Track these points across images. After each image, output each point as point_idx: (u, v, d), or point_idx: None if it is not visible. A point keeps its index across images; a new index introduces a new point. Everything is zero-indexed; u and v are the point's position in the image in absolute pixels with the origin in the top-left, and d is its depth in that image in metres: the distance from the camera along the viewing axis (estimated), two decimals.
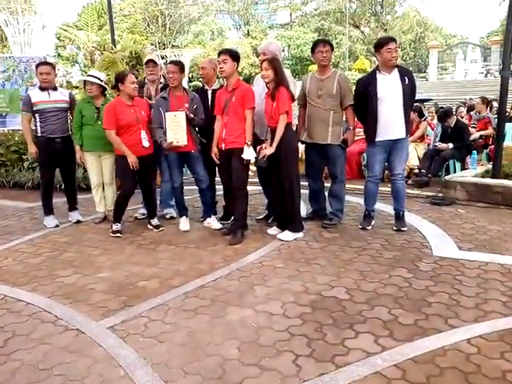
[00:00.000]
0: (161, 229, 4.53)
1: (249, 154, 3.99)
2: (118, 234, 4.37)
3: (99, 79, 4.76)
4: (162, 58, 31.76)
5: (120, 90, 4.33)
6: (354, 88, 4.51)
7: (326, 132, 4.37)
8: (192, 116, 4.21)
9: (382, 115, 4.17)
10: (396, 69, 4.14)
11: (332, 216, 4.57)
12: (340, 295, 2.93)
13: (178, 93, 4.30)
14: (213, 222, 4.58)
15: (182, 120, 4.16)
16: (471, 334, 2.44)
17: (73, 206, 5.00)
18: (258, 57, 4.50)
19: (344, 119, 4.55)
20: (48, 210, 4.86)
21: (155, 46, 46.75)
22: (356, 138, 7.63)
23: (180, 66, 4.32)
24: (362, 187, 5.94)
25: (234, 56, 4.07)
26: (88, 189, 5.36)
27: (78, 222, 4.91)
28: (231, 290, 3.06)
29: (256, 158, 4.01)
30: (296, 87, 4.47)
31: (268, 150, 3.90)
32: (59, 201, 5.25)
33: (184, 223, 4.57)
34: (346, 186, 6.21)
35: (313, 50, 4.40)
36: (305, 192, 4.64)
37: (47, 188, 4.83)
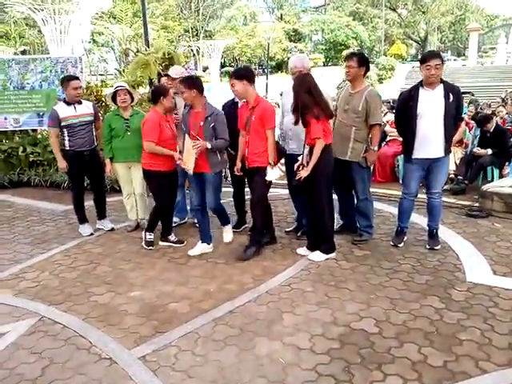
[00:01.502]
0: (184, 243, 4.56)
1: (272, 174, 3.99)
2: (151, 247, 4.45)
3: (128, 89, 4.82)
4: (197, 51, 31.91)
5: (158, 103, 4.32)
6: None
7: (347, 148, 4.28)
8: (199, 144, 3.89)
9: (421, 132, 4.02)
10: (441, 85, 3.95)
11: (362, 232, 4.52)
12: (369, 328, 2.91)
13: (197, 109, 4.05)
14: (224, 234, 4.59)
15: (189, 146, 3.96)
16: (504, 380, 2.38)
17: (103, 214, 5.13)
18: (292, 74, 4.34)
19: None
20: (82, 218, 5.00)
21: (188, 32, 46.85)
22: (389, 138, 7.63)
23: (189, 82, 3.97)
24: (395, 192, 5.93)
25: (242, 76, 3.96)
26: (121, 191, 5.41)
27: (112, 229, 5.04)
28: (260, 317, 3.09)
29: (292, 177, 3.97)
30: (329, 99, 4.40)
31: (304, 171, 3.82)
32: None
33: (202, 249, 4.34)
34: (379, 191, 6.23)
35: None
36: (336, 203, 4.60)
37: (79, 198, 4.96)
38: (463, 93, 11.95)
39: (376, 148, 4.34)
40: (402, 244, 4.36)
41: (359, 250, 4.28)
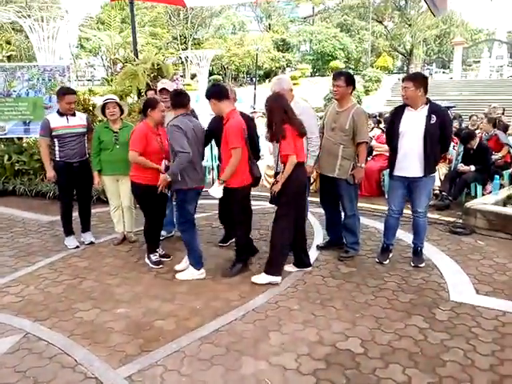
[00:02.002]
0: (171, 257, 4.55)
1: (215, 191, 3.93)
2: (161, 266, 4.38)
3: (118, 101, 4.82)
4: (186, 59, 31.99)
5: (147, 116, 4.31)
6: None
7: (334, 165, 4.35)
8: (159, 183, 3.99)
9: (402, 151, 4.13)
10: (427, 106, 4.03)
11: (348, 249, 4.56)
12: (355, 348, 2.94)
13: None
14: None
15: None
16: None
17: (86, 227, 5.08)
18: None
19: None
20: (68, 230, 4.96)
21: (176, 39, 46.89)
22: (375, 153, 7.74)
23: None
24: (381, 207, 6.02)
25: (208, 97, 3.96)
26: (108, 202, 5.36)
27: (92, 243, 4.99)
28: (246, 336, 3.10)
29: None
30: (315, 119, 4.47)
31: (275, 186, 3.88)
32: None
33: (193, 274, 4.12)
34: (365, 205, 6.30)
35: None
36: (321, 219, 4.64)
37: (67, 210, 4.91)
38: (448, 107, 12.10)
39: (363, 165, 4.40)
40: (388, 261, 4.41)
41: (345, 266, 4.32)
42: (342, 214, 4.62)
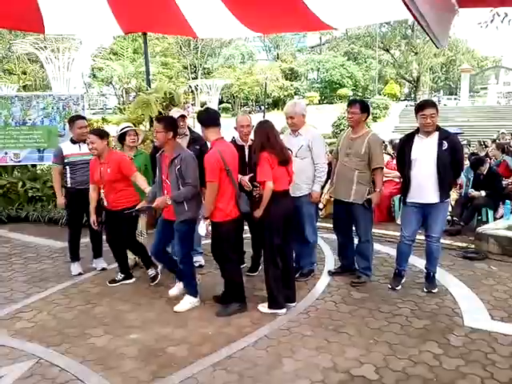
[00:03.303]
0: (156, 282, 4.55)
1: (200, 228, 3.77)
2: (156, 281, 4.49)
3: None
4: (196, 88, 32.77)
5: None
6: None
7: (350, 190, 4.39)
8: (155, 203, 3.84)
9: (414, 178, 4.15)
10: (437, 132, 4.08)
11: (360, 274, 4.55)
12: (369, 375, 2.90)
13: (167, 151, 3.90)
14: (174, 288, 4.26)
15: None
16: None
17: (98, 253, 5.11)
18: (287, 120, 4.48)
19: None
20: (74, 256, 4.98)
21: (187, 69, 47.95)
22: (385, 179, 7.75)
23: (167, 123, 3.86)
24: (392, 233, 6.00)
25: (203, 122, 3.83)
26: None
27: (104, 269, 5.01)
28: (259, 362, 3.07)
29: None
30: (324, 146, 4.54)
31: (256, 212, 3.82)
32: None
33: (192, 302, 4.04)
34: (376, 231, 6.27)
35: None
36: (332, 245, 4.64)
37: (75, 236, 4.96)
38: (455, 133, 12.21)
39: (379, 189, 4.43)
40: (400, 287, 4.37)
41: (358, 292, 4.29)
42: (355, 239, 4.64)
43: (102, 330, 3.60)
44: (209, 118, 3.80)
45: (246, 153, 4.55)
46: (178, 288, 4.20)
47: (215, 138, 3.76)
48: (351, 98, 30.77)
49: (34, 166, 8.36)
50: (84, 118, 5.12)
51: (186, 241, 3.96)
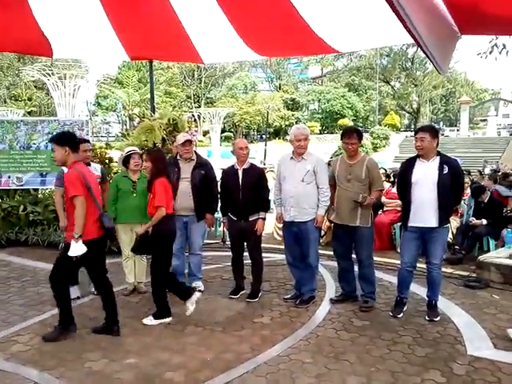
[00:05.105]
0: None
1: (76, 249, 3.58)
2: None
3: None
4: (199, 116, 33.36)
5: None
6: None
7: (356, 214, 4.41)
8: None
9: (415, 201, 4.18)
10: (438, 157, 4.14)
11: (367, 298, 4.53)
12: None
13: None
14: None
15: None
16: None
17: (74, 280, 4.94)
18: (291, 141, 4.57)
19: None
20: (72, 280, 4.91)
21: (190, 98, 48.72)
22: (385, 209, 7.77)
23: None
24: (393, 261, 5.96)
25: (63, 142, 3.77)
26: (120, 252, 5.37)
27: (78, 298, 4.85)
28: None
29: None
30: (327, 172, 4.58)
31: (138, 229, 4.10)
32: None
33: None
34: (377, 259, 6.24)
35: (341, 138, 4.54)
36: (332, 272, 4.60)
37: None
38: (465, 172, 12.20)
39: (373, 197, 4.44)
40: (402, 314, 4.32)
41: (359, 320, 4.23)
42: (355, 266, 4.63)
43: (99, 355, 3.54)
44: (68, 141, 3.78)
45: (240, 176, 4.65)
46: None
47: (73, 160, 3.77)
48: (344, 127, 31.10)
49: (35, 189, 8.39)
50: (88, 141, 5.18)
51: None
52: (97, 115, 48.33)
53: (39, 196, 8.32)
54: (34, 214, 7.81)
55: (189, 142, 4.88)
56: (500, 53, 8.52)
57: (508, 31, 5.91)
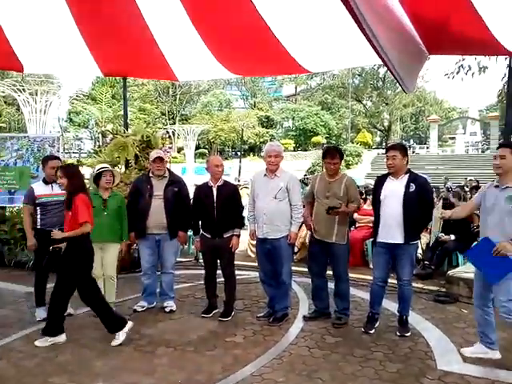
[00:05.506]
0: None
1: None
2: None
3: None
4: (173, 133, 33.28)
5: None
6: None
7: (332, 230, 4.46)
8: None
9: (382, 218, 4.28)
10: (407, 175, 4.23)
11: (340, 315, 4.56)
12: None
13: None
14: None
15: None
16: None
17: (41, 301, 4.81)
18: (268, 158, 4.58)
19: None
20: (39, 300, 4.77)
21: (165, 115, 48.60)
22: (358, 225, 7.87)
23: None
24: (366, 277, 6.01)
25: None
26: None
27: (70, 315, 4.70)
28: None
29: None
30: (300, 189, 4.63)
31: (55, 234, 3.99)
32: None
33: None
34: (350, 275, 6.25)
35: (323, 157, 4.60)
36: (305, 288, 4.61)
37: (41, 280, 4.76)
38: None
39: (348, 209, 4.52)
40: (374, 330, 4.35)
41: (331, 336, 4.24)
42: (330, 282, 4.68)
43: (66, 379, 3.42)
44: None
45: (215, 193, 4.64)
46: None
47: None
48: (325, 145, 31.52)
49: (2, 208, 8.15)
50: (58, 158, 5.09)
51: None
52: (69, 131, 47.62)
53: (6, 214, 8.09)
54: (1, 232, 7.58)
55: (159, 158, 4.85)
56: (466, 74, 8.88)
57: (473, 51, 6.18)
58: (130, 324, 4.13)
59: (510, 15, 4.19)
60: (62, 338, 4.09)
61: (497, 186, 3.59)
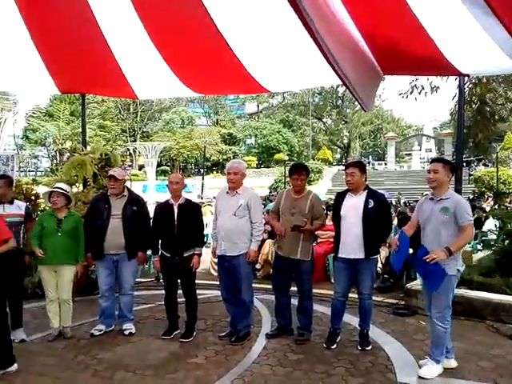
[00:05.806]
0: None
1: None
2: None
3: (66, 191, 4.76)
4: (134, 151, 32.83)
5: None
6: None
7: (297, 247, 4.48)
8: None
9: (343, 233, 4.34)
10: (365, 191, 4.32)
11: (303, 331, 4.56)
12: None
13: None
14: None
15: None
16: None
17: (18, 323, 4.64)
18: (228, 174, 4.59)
19: None
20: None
21: (125, 132, 47.92)
22: (319, 240, 7.96)
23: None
24: (328, 292, 6.05)
25: None
26: (43, 295, 5.02)
27: (23, 341, 4.57)
28: None
29: None
30: (260, 207, 4.65)
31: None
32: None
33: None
34: (313, 290, 6.32)
35: (290, 173, 4.64)
36: (269, 306, 4.60)
37: None
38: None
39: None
40: (335, 346, 4.37)
41: (293, 354, 4.23)
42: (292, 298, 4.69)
43: None
44: None
45: (176, 212, 4.58)
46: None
47: None
48: (289, 162, 31.87)
49: None
50: (8, 177, 4.88)
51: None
52: (25, 149, 46.13)
53: None
54: None
55: (113, 177, 4.73)
56: (419, 93, 9.26)
57: (426, 72, 6.46)
58: (15, 366, 3.89)
59: (460, 37, 4.43)
60: (14, 367, 3.87)
61: (432, 199, 3.81)
